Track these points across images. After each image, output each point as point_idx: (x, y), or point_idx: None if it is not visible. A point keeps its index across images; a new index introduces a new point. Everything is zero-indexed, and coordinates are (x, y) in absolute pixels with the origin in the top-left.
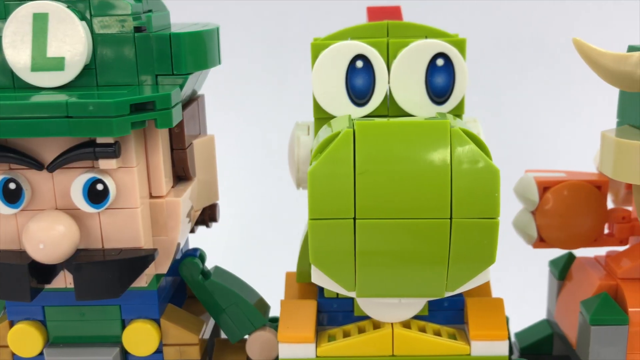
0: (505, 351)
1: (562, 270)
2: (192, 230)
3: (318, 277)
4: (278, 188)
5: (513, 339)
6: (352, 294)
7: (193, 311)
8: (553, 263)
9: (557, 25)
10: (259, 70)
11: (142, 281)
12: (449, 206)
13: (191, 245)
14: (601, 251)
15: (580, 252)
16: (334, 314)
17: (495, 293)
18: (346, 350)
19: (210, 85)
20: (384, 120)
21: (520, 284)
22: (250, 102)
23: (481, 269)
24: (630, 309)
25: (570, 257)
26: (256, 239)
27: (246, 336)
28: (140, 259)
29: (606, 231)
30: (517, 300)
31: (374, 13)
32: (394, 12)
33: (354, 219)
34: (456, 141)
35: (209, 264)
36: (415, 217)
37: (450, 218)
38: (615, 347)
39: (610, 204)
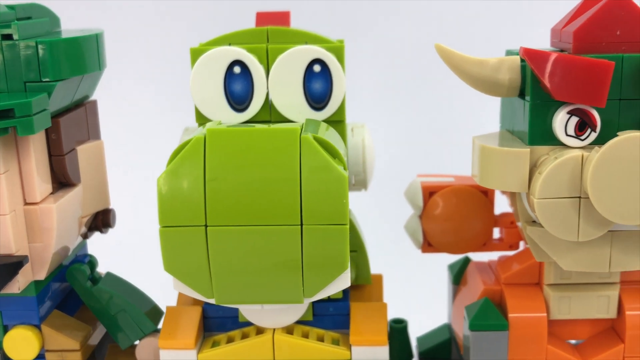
0: (385, 356)
1: (457, 274)
2: (86, 236)
3: (177, 284)
4: None
5: (414, 343)
6: (211, 301)
7: (88, 317)
8: (450, 267)
9: (460, 27)
10: (159, 73)
11: (15, 287)
12: (299, 213)
13: (90, 251)
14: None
15: (479, 256)
16: (222, 320)
17: (404, 295)
18: (227, 356)
19: (108, 89)
20: (236, 127)
21: (430, 287)
22: (150, 106)
23: (335, 275)
24: (510, 315)
25: (466, 261)
26: (157, 243)
27: (137, 342)
28: (9, 266)
29: (498, 235)
30: (427, 303)
31: (262, 18)
32: (282, 18)
33: (205, 226)
34: (306, 148)
35: (113, 269)
36: (267, 223)
37: (301, 225)
38: (495, 353)
39: (509, 209)
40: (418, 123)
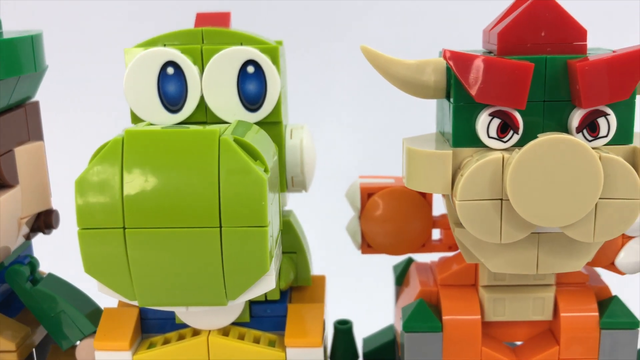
0: (319, 358)
1: (400, 275)
2: (28, 237)
3: (101, 286)
4: None
5: (360, 344)
6: (134, 303)
7: (31, 318)
8: (394, 268)
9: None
10: (105, 74)
11: None
12: (218, 215)
13: (37, 252)
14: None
15: (424, 257)
16: (160, 322)
17: (354, 296)
18: (162, 357)
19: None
20: (155, 128)
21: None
22: (95, 107)
23: (257, 277)
24: (444, 317)
25: (409, 262)
26: None
27: (78, 342)
28: None
29: (438, 237)
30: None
31: (202, 19)
32: (222, 19)
33: (123, 228)
34: (225, 150)
35: (58, 270)
36: (185, 226)
37: (220, 227)
38: (430, 354)
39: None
40: (375, 124)
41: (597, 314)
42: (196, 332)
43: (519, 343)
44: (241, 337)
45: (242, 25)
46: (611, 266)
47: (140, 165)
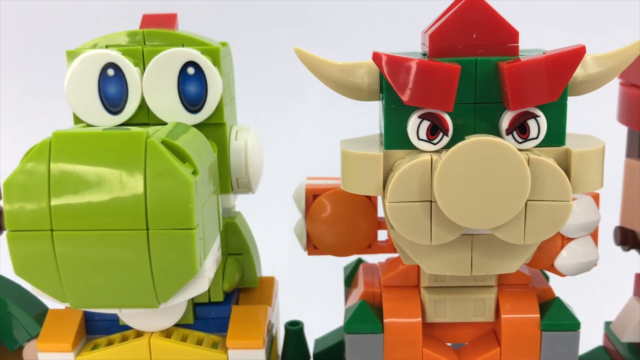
0: (261, 359)
1: (349, 276)
2: None
3: (35, 288)
4: None
5: (312, 344)
6: (66, 305)
7: None
8: (344, 269)
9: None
10: (51, 74)
11: None
12: (145, 217)
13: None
14: None
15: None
16: (105, 323)
17: (308, 297)
18: (104, 358)
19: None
20: (84, 130)
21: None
22: (43, 108)
23: (186, 279)
24: (385, 320)
25: (358, 263)
26: None
27: (25, 343)
28: None
29: (385, 238)
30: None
31: (148, 20)
32: (168, 20)
33: (51, 230)
34: (151, 152)
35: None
36: (113, 228)
37: (147, 229)
38: (371, 355)
39: None
40: (345, 126)
41: (538, 315)
42: (139, 334)
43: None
44: (184, 339)
45: (215, 25)
46: (552, 268)
47: (67, 168)
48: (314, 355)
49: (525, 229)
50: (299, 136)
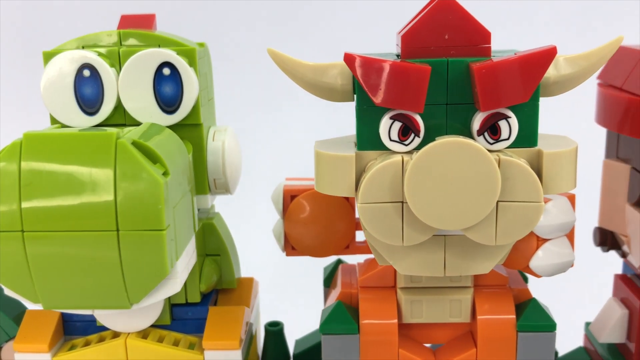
0: None
1: (328, 277)
2: None
3: (7, 289)
4: None
5: (292, 345)
6: (38, 306)
7: None
8: (324, 269)
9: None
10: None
11: None
12: (115, 218)
13: None
14: None
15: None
16: (83, 324)
17: (290, 298)
18: (80, 359)
19: None
20: (55, 131)
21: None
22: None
23: (157, 280)
24: (361, 321)
25: (337, 264)
26: None
27: (4, 344)
28: None
29: (363, 238)
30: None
31: (126, 21)
32: (146, 21)
33: (22, 231)
34: (121, 153)
35: None
36: (83, 229)
37: (117, 230)
38: (347, 356)
39: None
40: (314, 126)
41: (513, 316)
42: (117, 335)
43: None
44: (161, 340)
45: (202, 26)
46: (527, 269)
47: (38, 168)
48: (294, 355)
49: (496, 229)
50: (281, 137)
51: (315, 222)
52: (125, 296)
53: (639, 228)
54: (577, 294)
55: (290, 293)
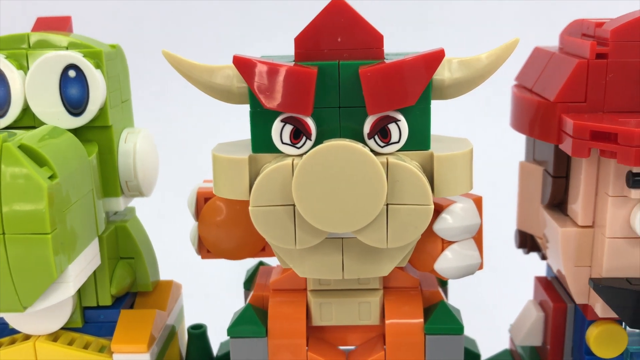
0: None
1: (249, 279)
2: None
3: None
4: None
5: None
6: None
7: None
8: (247, 272)
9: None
10: None
11: None
12: (0, 221)
13: None
14: None
15: None
16: None
17: (212, 300)
18: None
19: None
20: None
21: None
22: None
23: (46, 284)
24: (269, 323)
25: (258, 266)
26: None
27: None
28: None
29: None
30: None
31: (41, 24)
32: (62, 23)
33: None
34: (6, 156)
35: None
36: None
37: (3, 233)
38: (255, 358)
39: None
40: (241, 128)
41: (421, 320)
42: (27, 337)
43: None
44: (71, 343)
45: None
46: (434, 271)
47: None
48: (217, 357)
49: (387, 233)
50: (206, 139)
51: (227, 224)
52: (17, 300)
53: (552, 231)
54: (505, 296)
55: (216, 296)
